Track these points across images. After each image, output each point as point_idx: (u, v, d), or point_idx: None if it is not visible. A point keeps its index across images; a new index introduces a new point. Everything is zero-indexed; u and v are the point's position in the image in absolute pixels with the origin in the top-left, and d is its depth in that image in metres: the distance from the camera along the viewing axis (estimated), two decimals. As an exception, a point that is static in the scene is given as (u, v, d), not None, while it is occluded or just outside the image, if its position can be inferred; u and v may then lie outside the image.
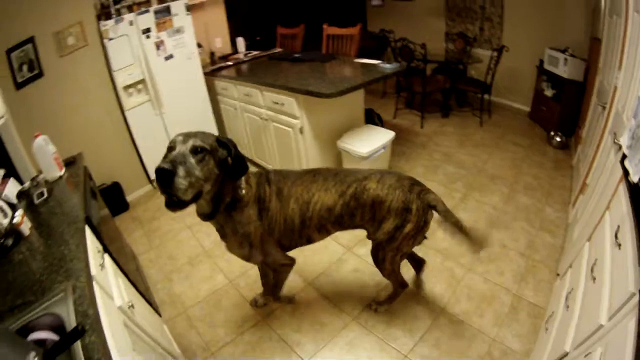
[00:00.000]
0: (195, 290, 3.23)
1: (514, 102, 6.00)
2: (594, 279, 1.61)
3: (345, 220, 2.23)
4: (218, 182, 1.83)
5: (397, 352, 2.46)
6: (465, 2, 6.38)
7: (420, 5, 7.17)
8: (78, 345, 1.26)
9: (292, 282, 3.11)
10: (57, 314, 1.46)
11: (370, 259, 2.49)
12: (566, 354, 1.58)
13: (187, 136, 1.72)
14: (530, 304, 2.63)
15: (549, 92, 5.03)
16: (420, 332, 2.56)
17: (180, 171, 1.60)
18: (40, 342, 1.32)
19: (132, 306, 1.99)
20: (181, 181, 1.60)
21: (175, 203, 1.66)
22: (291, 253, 2.45)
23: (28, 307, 1.52)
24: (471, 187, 4.02)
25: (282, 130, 4.12)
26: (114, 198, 4.55)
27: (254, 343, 2.66)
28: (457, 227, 2.21)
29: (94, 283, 1.63)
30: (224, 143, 1.83)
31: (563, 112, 4.75)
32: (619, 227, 1.52)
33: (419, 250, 2.91)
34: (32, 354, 1.11)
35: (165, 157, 1.70)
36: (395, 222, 2.14)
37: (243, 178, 1.98)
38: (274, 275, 2.56)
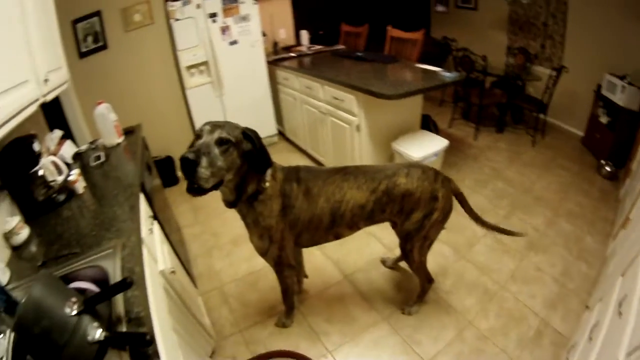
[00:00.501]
0: (234, 268, 3.30)
1: (568, 125, 5.74)
2: (620, 314, 1.56)
3: (376, 215, 2.26)
4: (241, 172, 1.86)
5: (419, 357, 2.45)
6: (528, 17, 6.16)
7: (484, 15, 6.97)
8: (120, 298, 1.33)
9: (330, 274, 3.17)
10: (103, 267, 1.53)
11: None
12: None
13: (215, 126, 1.75)
14: (556, 332, 2.55)
15: (603, 119, 4.78)
16: (444, 342, 2.53)
17: (204, 161, 1.65)
18: (80, 291, 1.37)
19: (174, 272, 2.06)
20: (203, 171, 1.64)
21: (195, 189, 1.70)
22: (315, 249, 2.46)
23: (73, 258, 1.61)
24: (516, 206, 3.90)
25: (339, 126, 4.11)
26: (166, 171, 4.70)
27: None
28: (471, 214, 2.53)
29: (142, 245, 1.70)
30: (249, 136, 1.83)
31: (615, 142, 4.50)
32: None
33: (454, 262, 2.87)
34: (73, 299, 1.16)
35: (191, 145, 1.76)
36: (424, 212, 2.23)
37: (269, 171, 1.99)
38: (279, 281, 2.49)
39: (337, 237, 2.35)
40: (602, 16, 4.96)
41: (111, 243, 1.67)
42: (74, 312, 1.13)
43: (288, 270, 2.42)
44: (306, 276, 3.03)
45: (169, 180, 4.80)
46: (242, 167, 1.83)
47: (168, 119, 4.73)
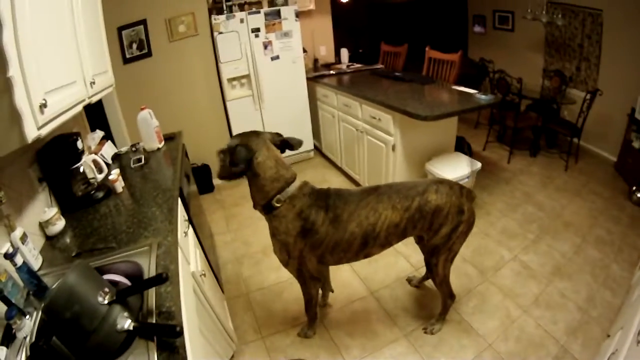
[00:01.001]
0: (262, 277, 3.34)
1: (601, 149, 5.55)
2: (638, 342, 1.53)
3: (407, 231, 2.27)
4: (241, 176, 2.09)
5: (437, 377, 2.40)
6: (564, 39, 6.02)
7: (521, 37, 6.85)
8: (152, 292, 1.38)
9: (356, 289, 3.17)
10: (137, 263, 1.59)
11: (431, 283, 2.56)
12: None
13: (232, 137, 2.09)
14: (574, 359, 2.47)
15: (636, 144, 4.57)
16: (462, 363, 2.48)
17: (220, 156, 2.08)
18: (112, 284, 1.43)
19: (204, 275, 2.12)
20: (219, 161, 2.08)
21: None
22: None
23: (108, 252, 1.68)
24: (545, 230, 3.80)
25: (375, 145, 4.10)
26: (202, 178, 4.82)
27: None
28: None
29: (178, 248, 1.75)
30: (236, 150, 2.01)
31: None
32: None
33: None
34: (106, 289, 1.22)
35: None
36: (451, 226, 2.26)
37: (289, 193, 2.07)
38: (303, 291, 2.51)
39: (367, 256, 2.34)
40: (636, 37, 4.83)
41: (147, 241, 1.74)
42: (106, 302, 1.19)
43: (311, 281, 2.44)
44: (332, 290, 3.03)
45: (205, 187, 4.93)
46: (236, 171, 2.03)
47: (207, 128, 4.85)
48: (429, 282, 3.07)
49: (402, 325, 2.80)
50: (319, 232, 2.12)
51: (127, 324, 1.18)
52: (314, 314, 2.66)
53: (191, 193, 2.91)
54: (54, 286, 1.17)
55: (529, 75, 6.24)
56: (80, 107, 1.91)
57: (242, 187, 4.84)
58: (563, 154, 5.28)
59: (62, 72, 1.73)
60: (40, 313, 1.33)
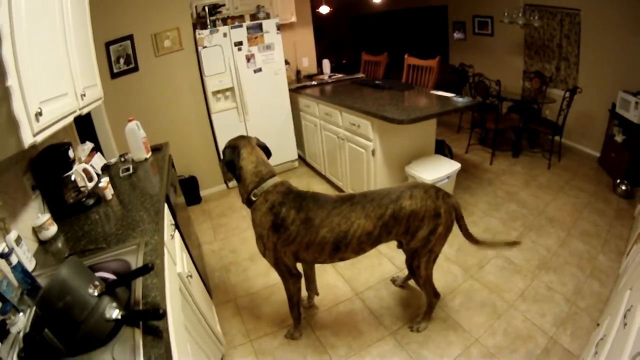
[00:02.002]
0: (250, 283, 3.44)
1: (584, 146, 5.76)
2: (625, 324, 1.58)
3: (382, 238, 2.37)
4: (231, 176, 2.40)
5: (425, 372, 2.47)
6: (543, 40, 6.24)
7: (500, 41, 7.10)
8: (139, 285, 1.48)
9: (341, 291, 3.25)
10: (126, 261, 1.70)
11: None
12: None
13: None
14: (565, 350, 2.53)
15: (619, 138, 4.77)
16: (449, 358, 2.56)
17: (220, 166, 2.46)
18: (103, 280, 1.50)
19: (190, 276, 2.23)
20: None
21: None
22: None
23: (99, 252, 1.79)
24: (529, 227, 3.93)
25: (356, 151, 4.23)
26: (190, 190, 4.93)
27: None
28: (464, 228, 2.57)
29: (164, 247, 1.87)
30: (225, 151, 2.39)
31: (631, 160, 4.47)
32: None
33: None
34: (96, 282, 1.32)
35: None
36: (429, 228, 2.34)
37: (264, 188, 2.31)
38: (284, 288, 2.62)
39: (342, 259, 2.47)
40: (613, 34, 5.06)
41: (135, 240, 1.86)
42: (96, 293, 1.29)
43: (290, 277, 2.54)
44: (317, 293, 3.13)
45: (193, 199, 5.04)
46: (228, 171, 2.38)
47: (193, 141, 4.97)
48: (414, 282, 3.13)
49: (388, 324, 2.88)
50: (289, 229, 2.26)
51: (115, 313, 1.28)
52: (297, 314, 2.74)
53: (179, 204, 3.02)
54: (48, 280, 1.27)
55: (510, 77, 6.45)
56: (71, 118, 2.05)
57: (228, 198, 5.03)
58: (546, 152, 5.46)
59: (55, 84, 1.87)
60: (33, 310, 1.42)
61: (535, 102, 5.65)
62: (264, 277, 3.47)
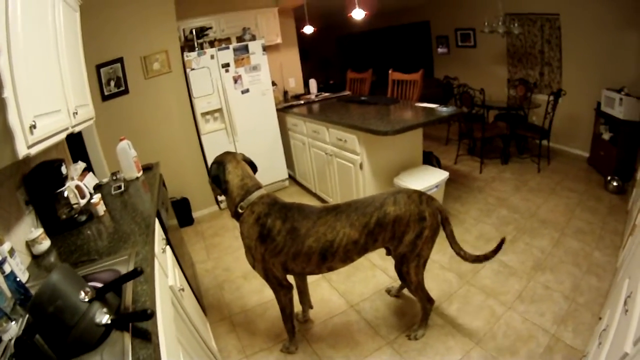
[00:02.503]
0: (244, 300, 3.44)
1: (573, 148, 5.85)
2: (627, 311, 1.58)
3: (369, 246, 2.41)
4: (220, 190, 2.44)
5: (424, 379, 2.46)
6: (525, 48, 6.38)
7: (483, 51, 7.27)
8: (129, 291, 1.51)
9: (335, 304, 3.25)
10: (118, 271, 1.73)
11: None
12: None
13: None
14: (567, 346, 2.52)
15: (606, 136, 4.87)
16: (449, 365, 2.55)
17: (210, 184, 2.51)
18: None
19: (183, 290, 2.25)
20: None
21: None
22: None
23: (91, 263, 1.83)
24: (522, 230, 3.96)
25: (344, 166, 4.28)
26: (182, 212, 4.97)
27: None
28: (449, 232, 2.61)
29: (155, 260, 1.90)
30: (212, 167, 2.45)
31: (620, 155, 4.56)
32: None
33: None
34: (87, 288, 1.34)
35: None
36: (415, 232, 2.39)
37: (250, 200, 2.37)
38: (276, 300, 2.63)
39: (330, 269, 2.49)
40: (593, 34, 5.20)
41: (127, 251, 1.91)
42: (87, 299, 1.31)
43: (281, 289, 2.56)
44: (311, 307, 3.13)
45: (185, 220, 5.07)
46: (217, 187, 2.43)
47: (184, 163, 5.02)
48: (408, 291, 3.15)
49: (385, 334, 2.88)
50: (275, 239, 2.31)
51: (105, 318, 1.30)
52: (291, 326, 2.74)
53: (171, 226, 3.06)
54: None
55: (495, 87, 6.57)
56: (64, 135, 2.13)
57: (221, 219, 5.05)
58: (535, 157, 5.54)
59: (49, 100, 1.96)
60: (26, 318, 1.44)
61: (520, 108, 5.74)
62: (258, 294, 3.47)
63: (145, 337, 1.29)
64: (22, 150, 1.53)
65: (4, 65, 1.46)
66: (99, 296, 1.37)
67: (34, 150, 1.63)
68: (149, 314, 1.26)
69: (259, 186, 2.44)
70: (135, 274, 1.47)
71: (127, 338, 1.28)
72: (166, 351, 1.43)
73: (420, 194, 2.47)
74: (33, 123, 1.60)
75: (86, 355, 1.24)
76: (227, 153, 2.50)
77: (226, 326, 3.15)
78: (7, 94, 1.47)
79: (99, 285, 1.60)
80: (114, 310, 1.41)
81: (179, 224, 4.35)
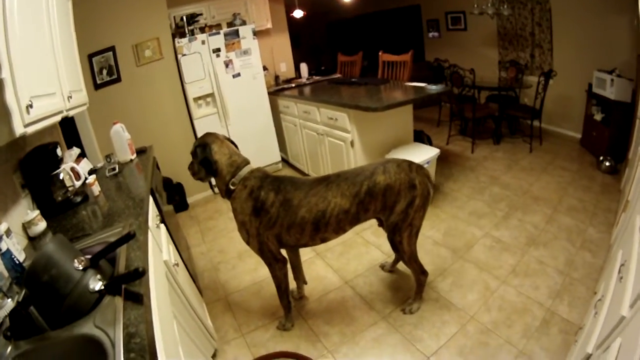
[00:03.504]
0: (239, 280, 3.43)
1: (565, 129, 5.83)
2: (621, 278, 1.58)
3: (360, 216, 2.40)
4: (206, 174, 2.41)
5: (421, 353, 2.44)
6: (515, 30, 6.35)
7: (474, 34, 7.23)
8: (122, 259, 1.52)
9: (330, 281, 3.24)
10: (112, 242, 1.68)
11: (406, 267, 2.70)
12: (589, 356, 1.55)
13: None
14: (564, 320, 2.52)
15: (598, 117, 4.87)
16: (445, 337, 2.53)
17: (189, 168, 2.50)
18: None
19: (177, 265, 2.25)
20: (189, 170, 2.50)
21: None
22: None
23: (86, 238, 1.84)
24: (514, 207, 3.96)
25: (335, 144, 4.28)
26: (177, 198, 4.95)
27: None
28: None
29: (148, 231, 1.91)
30: (195, 150, 2.40)
31: (612, 136, 4.57)
32: None
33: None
34: (81, 257, 1.34)
35: None
36: (406, 201, 2.40)
37: (241, 176, 2.36)
38: (271, 275, 2.62)
39: (324, 240, 2.49)
40: (584, 16, 5.17)
41: (121, 224, 1.92)
42: (81, 267, 1.31)
43: (276, 263, 2.54)
44: (305, 282, 3.11)
45: (180, 206, 5.05)
46: (202, 170, 2.40)
47: (178, 148, 4.96)
48: (402, 266, 3.15)
49: (380, 308, 2.87)
50: (269, 211, 2.31)
51: (98, 285, 1.30)
52: (287, 302, 2.73)
53: (167, 212, 3.07)
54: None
55: (486, 69, 6.56)
56: (59, 118, 2.17)
57: (215, 203, 5.04)
58: (526, 138, 5.54)
59: (45, 82, 2.03)
60: (22, 294, 1.42)
61: (511, 89, 5.74)
62: (253, 273, 3.47)
63: (137, 299, 1.28)
64: (18, 129, 1.58)
65: (1, 46, 1.51)
66: (93, 264, 1.37)
67: (30, 130, 1.68)
68: (141, 272, 1.26)
69: (247, 162, 2.43)
70: (128, 237, 1.46)
71: (119, 301, 1.27)
72: (159, 317, 1.41)
73: (409, 163, 2.47)
74: (30, 103, 1.66)
75: (79, 321, 1.23)
76: (209, 134, 2.46)
77: (222, 306, 3.13)
78: (5, 74, 1.53)
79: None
80: (107, 278, 1.41)
81: (175, 209, 4.37)
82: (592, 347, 1.54)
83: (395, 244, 2.57)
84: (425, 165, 3.77)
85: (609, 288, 1.78)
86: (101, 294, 1.30)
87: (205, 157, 2.34)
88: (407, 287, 3.01)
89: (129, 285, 1.35)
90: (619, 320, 1.33)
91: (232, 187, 2.36)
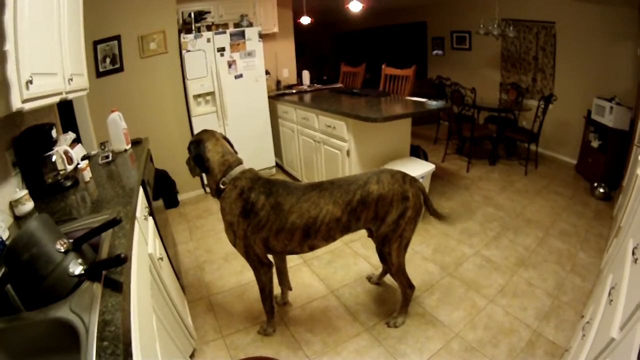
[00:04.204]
0: (224, 281, 3.38)
1: (561, 154, 5.88)
2: (611, 301, 1.57)
3: (352, 225, 2.37)
4: (199, 170, 2.40)
5: (404, 368, 2.41)
6: (519, 53, 6.40)
7: (478, 55, 7.29)
8: (106, 245, 1.50)
9: (315, 289, 3.20)
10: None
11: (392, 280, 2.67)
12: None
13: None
14: (550, 342, 2.50)
15: (595, 143, 4.90)
16: (429, 353, 2.49)
17: (187, 164, 2.50)
18: None
19: (161, 259, 2.22)
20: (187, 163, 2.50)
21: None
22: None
23: (72, 222, 1.81)
24: (506, 228, 3.95)
25: (331, 153, 4.26)
26: (168, 194, 4.94)
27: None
28: (431, 209, 2.64)
29: (135, 221, 1.87)
30: (189, 147, 2.41)
31: (607, 163, 4.60)
32: (638, 245, 1.52)
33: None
34: (64, 239, 1.31)
35: None
36: (398, 212, 2.37)
37: (232, 175, 2.33)
38: (256, 279, 2.58)
39: (312, 248, 2.45)
40: (587, 44, 5.24)
41: (108, 211, 1.90)
42: (63, 249, 1.28)
43: (261, 267, 2.50)
44: (290, 288, 3.07)
45: (171, 202, 5.01)
46: (196, 167, 2.40)
47: (173, 143, 4.93)
48: (389, 279, 3.13)
49: (364, 320, 2.83)
50: (259, 214, 2.27)
51: (78, 269, 1.26)
52: (270, 307, 2.68)
53: (157, 207, 3.02)
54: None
55: (487, 90, 6.58)
56: (57, 99, 2.17)
57: (206, 202, 5.02)
58: (522, 160, 5.55)
59: (47, 61, 2.02)
60: (2, 270, 1.38)
61: (510, 110, 5.75)
62: (238, 276, 3.42)
63: (116, 286, 1.25)
64: (16, 103, 1.57)
65: (8, 19, 1.52)
66: (75, 247, 1.33)
67: (27, 106, 1.67)
68: (122, 258, 1.22)
69: (240, 162, 2.41)
70: (113, 222, 1.43)
71: (98, 288, 1.24)
72: (137, 308, 1.37)
73: (403, 174, 2.46)
74: (30, 79, 1.65)
75: (55, 304, 1.19)
76: (205, 131, 2.45)
77: (204, 305, 3.09)
78: (9, 47, 1.53)
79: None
80: (89, 264, 1.36)
81: (165, 206, 4.33)
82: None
83: (383, 255, 2.55)
84: (420, 180, 3.76)
85: (598, 311, 1.77)
86: (80, 278, 1.26)
87: (198, 154, 2.34)
88: (393, 300, 2.98)
89: (110, 272, 1.31)
90: (608, 342, 1.32)
91: (222, 187, 2.33)
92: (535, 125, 5.22)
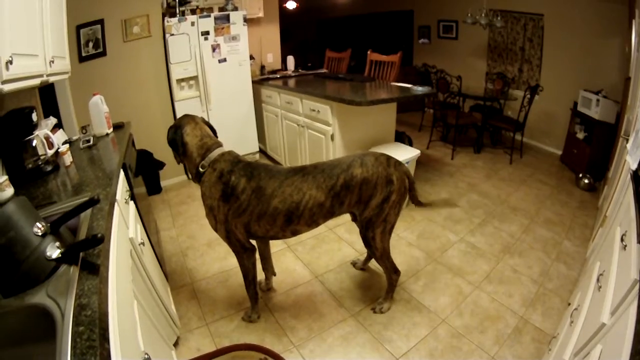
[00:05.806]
0: (207, 267, 3.32)
1: (547, 145, 5.92)
2: (600, 287, 1.56)
3: (335, 209, 2.32)
4: (179, 155, 2.35)
5: (390, 354, 2.39)
6: (506, 43, 6.40)
7: (464, 44, 7.28)
8: (84, 226, 1.46)
9: (300, 274, 3.17)
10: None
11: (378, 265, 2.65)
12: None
13: None
14: (537, 329, 2.51)
15: (580, 135, 4.94)
16: (416, 339, 2.48)
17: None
18: None
19: (143, 244, 2.15)
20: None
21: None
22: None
23: (51, 206, 1.75)
24: (491, 215, 3.96)
25: (316, 137, 4.22)
26: (151, 180, 4.83)
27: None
28: (415, 199, 2.65)
29: (115, 204, 1.82)
30: (169, 132, 2.34)
31: (592, 154, 4.64)
32: (626, 232, 1.50)
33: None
34: (42, 222, 1.27)
35: None
36: (382, 196, 2.33)
37: (211, 158, 2.27)
38: (239, 264, 2.52)
39: (295, 233, 2.40)
40: (575, 37, 5.26)
41: (87, 194, 1.84)
42: (40, 233, 1.23)
43: (244, 252, 2.45)
44: (274, 274, 3.03)
45: (153, 189, 4.93)
46: (176, 151, 2.34)
47: (156, 128, 4.82)
48: (374, 264, 3.12)
49: (349, 306, 2.81)
50: (239, 198, 2.20)
51: (56, 252, 1.22)
52: (254, 292, 2.64)
53: (139, 195, 2.95)
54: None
55: (473, 79, 6.58)
56: (38, 81, 2.10)
57: (188, 187, 4.94)
58: (507, 149, 5.58)
59: (28, 42, 2.00)
60: None
61: (495, 99, 5.76)
62: (222, 262, 3.37)
63: (93, 269, 1.19)
64: None
65: None
66: (53, 230, 1.28)
67: (7, 87, 1.62)
68: (99, 238, 1.17)
69: (219, 144, 2.34)
70: (91, 202, 1.38)
71: (75, 270, 1.19)
72: (116, 292, 1.30)
73: (388, 157, 2.41)
74: (10, 59, 1.61)
75: (32, 290, 1.14)
76: (186, 116, 2.39)
77: (187, 293, 3.03)
78: None
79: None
80: (67, 246, 1.31)
81: (147, 192, 4.27)
82: (569, 354, 1.52)
83: (368, 240, 2.51)
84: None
85: (586, 298, 1.77)
86: (58, 262, 1.21)
87: (174, 139, 2.29)
88: (379, 286, 2.96)
89: (88, 255, 1.25)
90: (599, 328, 1.31)
91: (201, 170, 2.27)
92: (521, 115, 5.23)
